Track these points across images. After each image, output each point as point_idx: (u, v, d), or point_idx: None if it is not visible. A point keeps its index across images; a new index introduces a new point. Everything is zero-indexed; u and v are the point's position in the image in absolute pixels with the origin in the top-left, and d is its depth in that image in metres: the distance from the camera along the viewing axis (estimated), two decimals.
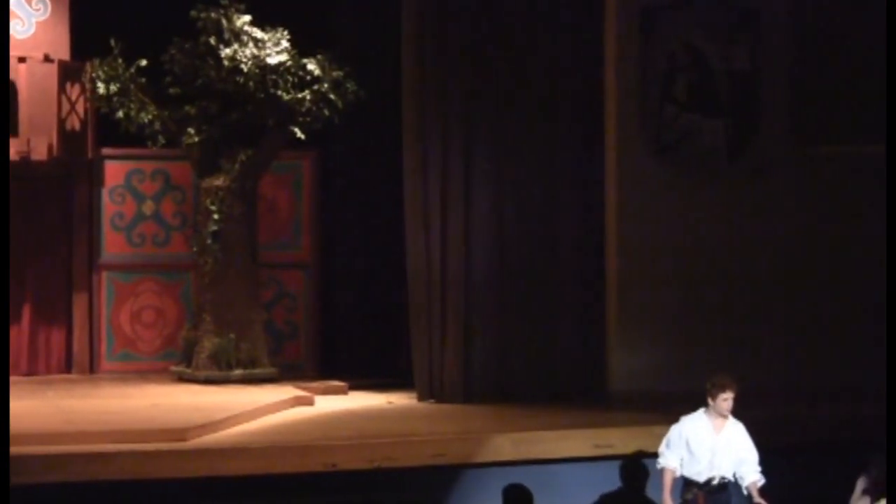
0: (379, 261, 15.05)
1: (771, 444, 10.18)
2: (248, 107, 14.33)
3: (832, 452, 11.15)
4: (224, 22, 14.07)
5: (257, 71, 14.06)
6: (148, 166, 15.44)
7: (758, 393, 10.99)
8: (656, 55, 13.61)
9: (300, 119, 14.30)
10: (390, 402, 13.40)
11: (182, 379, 14.29)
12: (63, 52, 14.69)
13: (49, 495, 10.12)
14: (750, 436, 9.91)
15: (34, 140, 14.38)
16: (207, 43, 14.05)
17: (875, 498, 9.27)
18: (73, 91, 14.72)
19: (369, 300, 15.16)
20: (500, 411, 12.74)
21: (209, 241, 14.32)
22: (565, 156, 13.64)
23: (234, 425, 11.73)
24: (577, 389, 13.44)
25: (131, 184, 15.43)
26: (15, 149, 14.20)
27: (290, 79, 14.24)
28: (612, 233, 13.60)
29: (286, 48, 14.21)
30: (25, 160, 14.30)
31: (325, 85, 14.27)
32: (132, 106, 14.26)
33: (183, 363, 14.46)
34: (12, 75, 14.26)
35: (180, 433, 11.07)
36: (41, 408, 12.46)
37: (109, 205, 15.36)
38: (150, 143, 14.48)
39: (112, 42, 14.19)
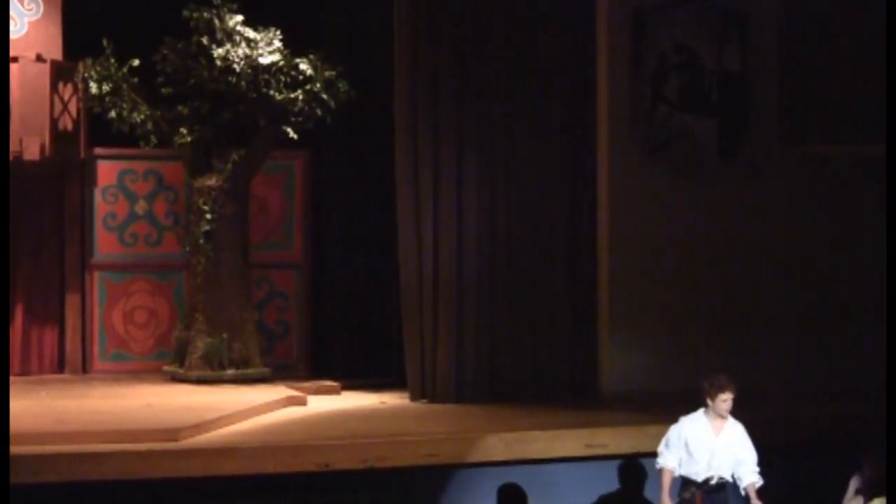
0: (371, 260, 15.02)
1: (770, 443, 10.19)
2: (240, 107, 14.33)
3: (831, 452, 11.13)
4: (216, 22, 14.07)
5: (249, 71, 14.06)
6: (140, 166, 15.44)
7: (755, 393, 10.97)
8: (648, 55, 13.60)
9: (292, 119, 14.31)
10: (383, 402, 13.40)
11: (174, 379, 14.29)
12: (55, 51, 14.67)
13: (41, 495, 10.12)
14: (749, 436, 9.92)
15: (26, 140, 14.35)
16: (200, 43, 14.05)
17: (868, 498, 9.27)
18: (66, 91, 14.70)
19: (361, 300, 15.12)
20: (492, 411, 12.73)
21: (201, 241, 14.32)
22: (557, 155, 13.66)
23: (226, 425, 11.72)
24: (570, 389, 13.47)
25: (124, 184, 15.44)
26: None
27: (283, 79, 14.25)
28: (605, 232, 13.60)
29: (278, 48, 14.21)
30: (18, 160, 14.26)
31: (318, 85, 14.27)
32: (124, 106, 14.25)
33: (175, 363, 14.45)
34: None
35: (173, 433, 11.05)
36: (34, 408, 12.43)
37: (102, 205, 15.36)
38: (142, 142, 14.48)
39: (104, 42, 14.20)
